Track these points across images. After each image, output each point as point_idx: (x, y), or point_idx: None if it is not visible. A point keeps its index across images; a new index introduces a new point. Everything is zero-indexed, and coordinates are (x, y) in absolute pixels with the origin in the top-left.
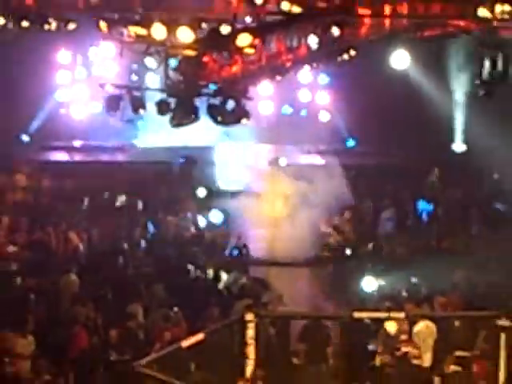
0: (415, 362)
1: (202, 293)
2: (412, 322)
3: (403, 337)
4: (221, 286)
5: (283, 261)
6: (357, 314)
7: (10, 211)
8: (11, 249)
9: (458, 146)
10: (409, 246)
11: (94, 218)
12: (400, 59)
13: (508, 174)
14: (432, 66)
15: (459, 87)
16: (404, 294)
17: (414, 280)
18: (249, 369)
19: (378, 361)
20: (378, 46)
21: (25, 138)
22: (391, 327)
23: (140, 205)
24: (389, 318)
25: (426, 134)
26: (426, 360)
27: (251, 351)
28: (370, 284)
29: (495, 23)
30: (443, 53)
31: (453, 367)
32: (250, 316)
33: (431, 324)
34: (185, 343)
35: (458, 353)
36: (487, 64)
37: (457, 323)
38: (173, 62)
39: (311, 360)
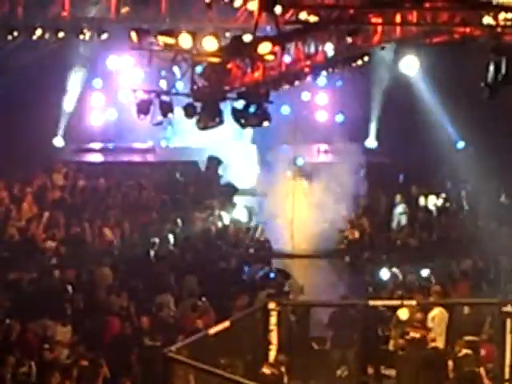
0: (432, 344)
1: (227, 283)
2: (424, 309)
3: (415, 323)
4: (245, 276)
5: (303, 253)
6: (372, 302)
7: (48, 209)
8: (50, 244)
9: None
10: (420, 237)
11: (125, 215)
12: (409, 65)
13: None
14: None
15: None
16: (416, 282)
17: (424, 270)
18: (272, 354)
19: (391, 345)
20: (388, 52)
21: (59, 141)
22: (403, 314)
23: (169, 202)
24: (401, 306)
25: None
26: (440, 343)
27: (274, 337)
28: (384, 274)
29: (499, 29)
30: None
31: (464, 351)
32: (272, 304)
33: (443, 310)
34: (212, 330)
35: (467, 337)
36: (491, 68)
37: (466, 310)
38: (198, 69)
39: (337, 345)
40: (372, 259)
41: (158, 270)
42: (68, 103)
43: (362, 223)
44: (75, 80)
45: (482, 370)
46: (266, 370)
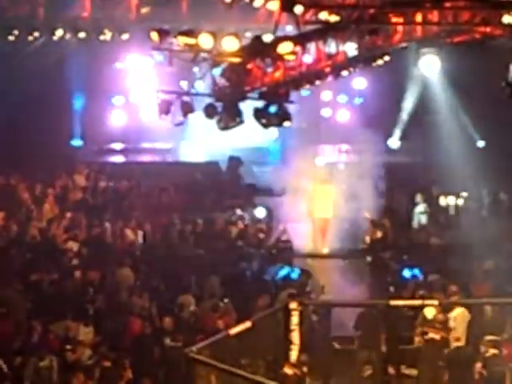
0: (456, 344)
1: (249, 284)
2: (445, 308)
3: (436, 324)
4: (266, 276)
5: (324, 253)
6: (393, 302)
7: (70, 209)
8: (71, 245)
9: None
10: (442, 237)
11: (147, 216)
12: (429, 65)
13: None
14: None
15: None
16: (437, 282)
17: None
18: (293, 353)
19: (414, 343)
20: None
21: (77, 142)
22: (429, 313)
23: (190, 202)
24: (423, 306)
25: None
26: (461, 343)
27: (295, 337)
28: (406, 273)
29: None
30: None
31: (492, 350)
32: (294, 304)
33: (464, 309)
34: (233, 331)
35: (489, 337)
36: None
37: (488, 310)
38: (219, 69)
39: (362, 345)
40: (393, 259)
41: (179, 271)
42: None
43: (384, 223)
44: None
45: (507, 370)
46: (288, 370)
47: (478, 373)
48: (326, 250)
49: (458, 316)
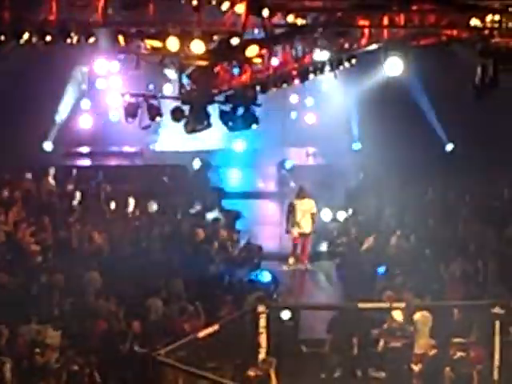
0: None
1: (215, 287)
2: (411, 311)
3: (398, 332)
4: (233, 280)
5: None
6: (361, 305)
7: (37, 213)
8: (37, 248)
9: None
10: (409, 240)
11: (114, 219)
12: (393, 66)
13: None
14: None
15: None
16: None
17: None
18: (261, 357)
19: (380, 347)
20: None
21: (48, 145)
22: (398, 316)
23: (156, 206)
24: (391, 308)
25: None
26: (421, 347)
27: (263, 340)
28: (373, 276)
29: (486, 32)
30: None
31: (459, 353)
32: (261, 307)
33: (427, 313)
34: (201, 334)
35: (457, 340)
36: (479, 70)
37: (455, 312)
38: (186, 72)
39: (334, 349)
40: (360, 262)
41: (146, 274)
42: (59, 108)
43: (352, 225)
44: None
45: (474, 373)
46: (252, 373)
47: (447, 376)
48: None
49: (419, 320)
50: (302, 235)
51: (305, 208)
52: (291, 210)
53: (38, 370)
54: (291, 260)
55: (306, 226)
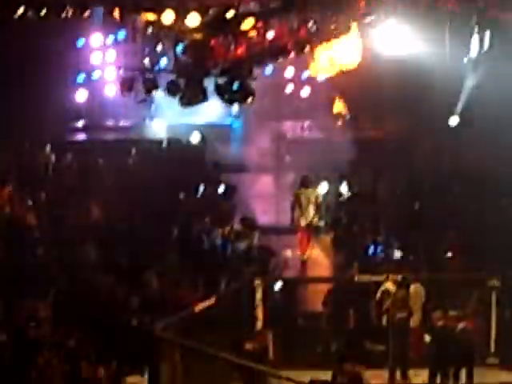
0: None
1: (213, 260)
2: (407, 284)
3: (398, 303)
4: (230, 253)
5: (287, 229)
6: (357, 277)
7: (33, 186)
8: (33, 222)
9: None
10: (402, 212)
11: (111, 193)
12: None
13: None
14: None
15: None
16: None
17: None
18: (257, 330)
19: (376, 320)
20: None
21: (45, 119)
22: (390, 287)
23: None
24: (386, 281)
25: (422, 106)
26: (415, 320)
27: (260, 313)
28: (370, 248)
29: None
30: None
31: (441, 323)
32: (257, 281)
33: (419, 287)
34: (197, 307)
35: (453, 312)
36: (475, 41)
37: (452, 284)
38: (181, 46)
39: (331, 322)
40: (358, 234)
41: (142, 248)
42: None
43: (347, 198)
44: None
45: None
46: (249, 346)
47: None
48: (289, 226)
49: (413, 292)
50: (309, 226)
51: (309, 197)
52: (296, 201)
53: (34, 344)
54: (304, 257)
55: (312, 216)
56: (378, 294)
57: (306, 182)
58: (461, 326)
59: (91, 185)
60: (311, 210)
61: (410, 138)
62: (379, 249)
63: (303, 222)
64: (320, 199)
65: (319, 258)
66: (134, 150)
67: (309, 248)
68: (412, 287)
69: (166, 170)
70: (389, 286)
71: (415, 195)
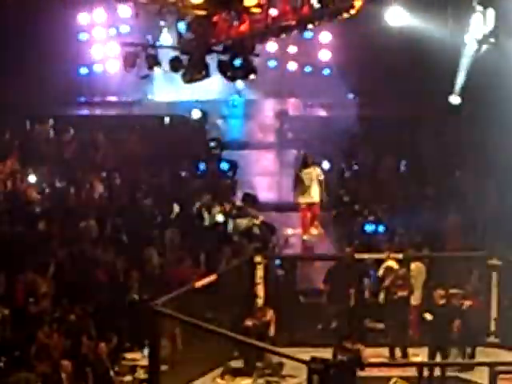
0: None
1: (214, 237)
2: (407, 262)
3: (399, 282)
4: (230, 230)
5: (288, 206)
6: (358, 256)
7: (35, 162)
8: (36, 197)
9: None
10: (406, 192)
11: (113, 169)
12: (395, 16)
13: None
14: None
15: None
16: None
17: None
18: (258, 307)
19: (380, 299)
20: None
21: (49, 94)
22: (393, 264)
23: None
24: (388, 259)
25: (424, 85)
26: (416, 298)
27: (260, 290)
28: (371, 227)
29: None
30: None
31: (442, 301)
32: (258, 258)
33: (420, 264)
34: (198, 284)
35: (453, 290)
36: (478, 20)
37: (453, 263)
38: (184, 22)
39: (332, 300)
40: (359, 212)
41: (143, 224)
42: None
43: (348, 175)
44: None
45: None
46: (249, 322)
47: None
48: (291, 203)
49: (414, 270)
50: (311, 205)
51: (311, 176)
52: (297, 180)
53: (33, 319)
54: (306, 236)
55: (314, 194)
56: (381, 271)
57: (307, 161)
58: (467, 304)
59: (93, 160)
60: (313, 189)
61: (412, 117)
62: (380, 227)
63: (305, 201)
64: (321, 177)
65: (320, 237)
66: (135, 126)
67: (312, 227)
68: (413, 265)
69: (167, 146)
70: (391, 263)
71: (417, 174)
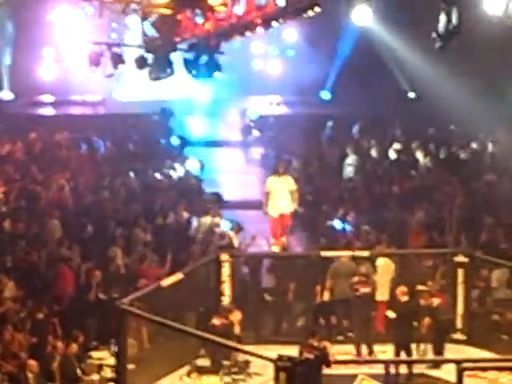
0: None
1: (179, 235)
2: (373, 260)
3: (362, 278)
4: (195, 229)
5: (254, 204)
6: (324, 253)
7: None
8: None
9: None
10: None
11: (78, 168)
12: (362, 15)
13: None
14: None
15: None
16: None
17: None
18: (224, 305)
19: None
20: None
21: (7, 94)
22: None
23: (121, 154)
24: (353, 257)
25: (387, 83)
26: (383, 294)
27: (226, 289)
28: (337, 224)
29: None
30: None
31: (404, 298)
32: (225, 256)
33: (388, 261)
34: (164, 282)
35: (420, 287)
36: (443, 18)
37: (418, 260)
38: (149, 20)
39: (298, 297)
40: (324, 211)
41: (108, 223)
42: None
43: (314, 176)
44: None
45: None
46: (216, 321)
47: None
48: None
49: (380, 267)
50: (282, 216)
51: (282, 186)
52: (267, 189)
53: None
54: (276, 248)
55: (285, 205)
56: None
57: (279, 170)
58: (435, 301)
59: (57, 160)
60: (283, 200)
61: (375, 115)
62: (346, 225)
63: (275, 213)
64: (293, 187)
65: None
66: (100, 125)
67: (282, 239)
68: (381, 261)
69: (132, 145)
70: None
71: (382, 172)
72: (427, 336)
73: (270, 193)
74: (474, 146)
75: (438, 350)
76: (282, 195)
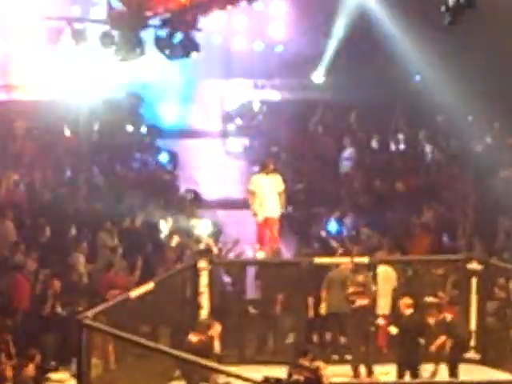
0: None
1: (150, 240)
2: (372, 267)
3: (358, 289)
4: (167, 232)
5: (236, 203)
6: (317, 260)
7: None
8: None
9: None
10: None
11: (33, 163)
12: None
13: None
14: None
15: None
16: (364, 237)
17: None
18: (202, 319)
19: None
20: None
21: None
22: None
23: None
24: (350, 264)
25: (388, 64)
26: (384, 307)
27: (204, 300)
28: (332, 227)
29: None
30: None
31: (409, 311)
32: (203, 263)
33: (390, 269)
34: (133, 293)
35: (429, 299)
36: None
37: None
38: None
39: (287, 310)
40: (318, 211)
41: (69, 225)
42: None
43: (306, 172)
44: None
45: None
46: (192, 337)
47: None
48: (239, 200)
49: (382, 276)
50: (269, 220)
51: (269, 186)
52: (253, 189)
53: None
54: (260, 254)
55: (273, 208)
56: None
57: (267, 168)
58: (448, 316)
59: (10, 152)
60: (271, 202)
61: (374, 101)
62: (343, 228)
63: (261, 215)
64: (281, 188)
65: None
66: (60, 112)
67: (271, 245)
68: (381, 270)
69: (97, 135)
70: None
71: (383, 168)
72: (437, 355)
73: (255, 193)
74: (489, 138)
75: (452, 371)
76: (270, 197)
